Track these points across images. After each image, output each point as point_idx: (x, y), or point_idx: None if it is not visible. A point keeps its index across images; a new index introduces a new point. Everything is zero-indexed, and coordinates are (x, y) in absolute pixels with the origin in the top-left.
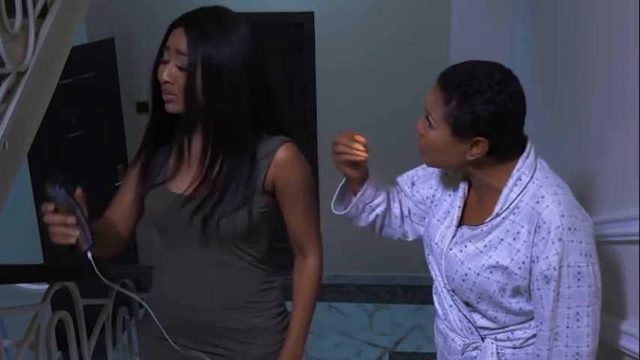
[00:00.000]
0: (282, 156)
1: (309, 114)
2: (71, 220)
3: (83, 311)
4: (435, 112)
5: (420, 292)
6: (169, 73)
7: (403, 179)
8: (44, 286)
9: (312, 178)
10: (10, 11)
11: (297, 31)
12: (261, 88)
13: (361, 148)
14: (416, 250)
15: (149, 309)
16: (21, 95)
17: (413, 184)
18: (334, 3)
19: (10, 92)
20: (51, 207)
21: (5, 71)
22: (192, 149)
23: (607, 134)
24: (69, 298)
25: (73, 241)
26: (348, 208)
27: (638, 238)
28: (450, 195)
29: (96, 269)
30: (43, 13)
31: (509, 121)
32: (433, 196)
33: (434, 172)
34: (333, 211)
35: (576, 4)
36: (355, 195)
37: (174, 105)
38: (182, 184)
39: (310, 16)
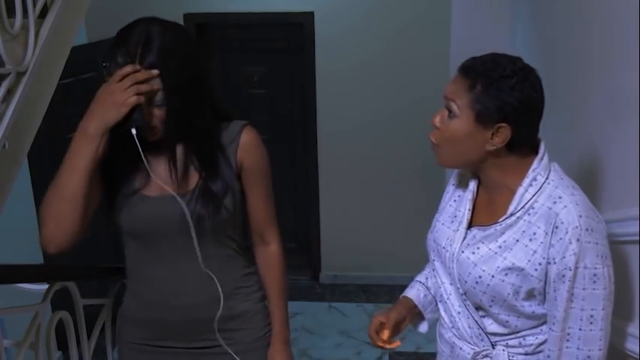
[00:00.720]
0: (246, 138)
1: (309, 114)
2: (154, 72)
3: (83, 311)
4: (459, 98)
5: None
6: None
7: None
8: (44, 286)
9: (269, 162)
10: (10, 11)
11: (297, 31)
12: (210, 79)
13: (391, 345)
14: (416, 251)
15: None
16: (21, 95)
17: None
18: (334, 3)
19: (10, 92)
20: (138, 68)
21: (5, 71)
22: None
23: (607, 134)
24: (69, 298)
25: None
26: (428, 321)
27: (638, 238)
28: (455, 200)
29: (139, 146)
30: (43, 13)
31: (532, 110)
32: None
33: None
34: (421, 331)
35: (576, 4)
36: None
37: (158, 135)
38: (156, 186)
39: (310, 16)
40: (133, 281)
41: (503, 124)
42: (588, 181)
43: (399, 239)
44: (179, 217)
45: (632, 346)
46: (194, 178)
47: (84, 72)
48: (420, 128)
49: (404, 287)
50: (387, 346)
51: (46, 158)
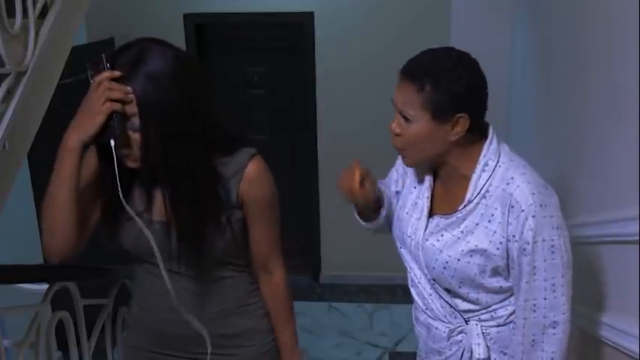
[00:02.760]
0: (252, 171)
1: (308, 115)
2: (129, 89)
3: (83, 311)
4: (410, 104)
5: None
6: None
7: (391, 190)
8: (44, 286)
9: (277, 192)
10: (10, 11)
11: (297, 31)
12: (207, 110)
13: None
14: None
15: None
16: (21, 95)
17: (397, 191)
18: (334, 3)
19: (10, 92)
20: (116, 74)
21: (5, 71)
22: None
23: (607, 134)
24: (69, 298)
25: (118, 107)
26: (378, 225)
27: (637, 238)
28: (415, 187)
29: (115, 160)
30: (43, 13)
31: (482, 92)
32: (397, 192)
33: (396, 170)
34: (363, 224)
35: (576, 4)
36: (379, 210)
37: (134, 162)
38: (157, 210)
39: (310, 16)
40: (137, 291)
41: (461, 114)
42: (587, 180)
43: None
44: (167, 244)
45: (628, 344)
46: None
47: (84, 72)
48: None
49: (404, 287)
50: (356, 189)
51: (46, 158)
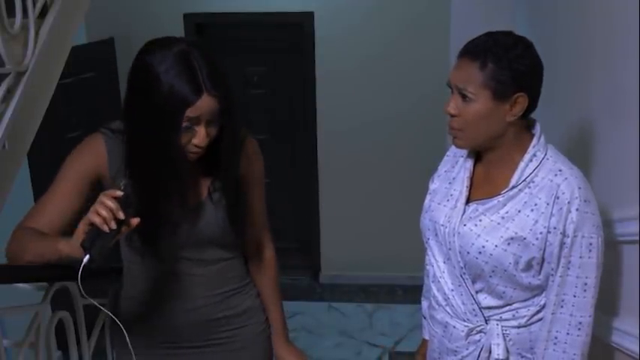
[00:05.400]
0: (249, 146)
1: (308, 115)
2: (120, 215)
3: (83, 311)
4: (471, 82)
5: (420, 292)
6: (207, 137)
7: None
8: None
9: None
10: (10, 11)
11: (297, 31)
12: None
13: None
14: (416, 250)
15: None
16: (21, 95)
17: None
18: (334, 3)
19: (10, 92)
20: (118, 193)
21: (5, 71)
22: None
23: (607, 134)
24: (69, 298)
25: (106, 229)
26: None
27: (638, 238)
28: (449, 182)
29: (79, 279)
30: (43, 13)
31: (540, 73)
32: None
33: (433, 181)
34: None
35: (576, 4)
36: None
37: (197, 154)
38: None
39: (310, 16)
40: (133, 288)
41: (520, 94)
42: (587, 180)
43: (399, 239)
44: (212, 225)
45: (628, 344)
46: (204, 187)
47: (84, 72)
48: (419, 128)
49: (404, 287)
50: None
51: (46, 158)
